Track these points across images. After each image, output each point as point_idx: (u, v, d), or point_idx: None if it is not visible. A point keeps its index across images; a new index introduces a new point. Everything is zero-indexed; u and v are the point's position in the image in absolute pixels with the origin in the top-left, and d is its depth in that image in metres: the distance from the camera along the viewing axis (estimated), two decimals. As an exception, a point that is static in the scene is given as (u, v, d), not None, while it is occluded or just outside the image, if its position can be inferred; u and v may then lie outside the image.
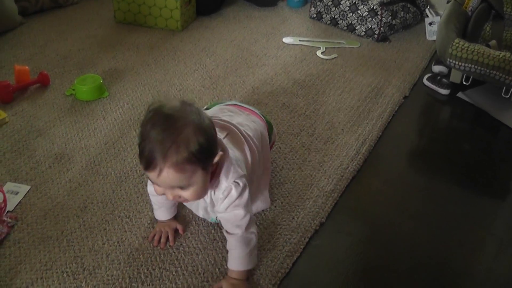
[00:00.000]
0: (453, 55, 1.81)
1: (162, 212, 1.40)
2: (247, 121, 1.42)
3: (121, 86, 2.01)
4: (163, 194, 1.15)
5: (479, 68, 1.77)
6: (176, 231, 1.40)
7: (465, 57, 1.79)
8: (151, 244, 1.36)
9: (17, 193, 1.50)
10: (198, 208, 1.35)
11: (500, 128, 1.86)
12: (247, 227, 1.23)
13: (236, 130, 1.34)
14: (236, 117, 1.42)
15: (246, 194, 1.21)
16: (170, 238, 1.37)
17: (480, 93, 1.98)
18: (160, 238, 1.38)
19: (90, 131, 1.75)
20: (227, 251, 1.27)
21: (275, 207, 1.47)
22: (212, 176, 1.18)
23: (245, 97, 1.93)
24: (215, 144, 1.14)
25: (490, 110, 1.90)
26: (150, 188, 1.32)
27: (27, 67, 1.95)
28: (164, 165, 1.05)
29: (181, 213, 1.44)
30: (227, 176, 1.19)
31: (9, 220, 1.40)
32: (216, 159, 1.14)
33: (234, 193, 1.19)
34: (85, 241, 1.37)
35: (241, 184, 1.20)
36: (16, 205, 1.46)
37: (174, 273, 1.29)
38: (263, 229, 1.40)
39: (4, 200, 1.41)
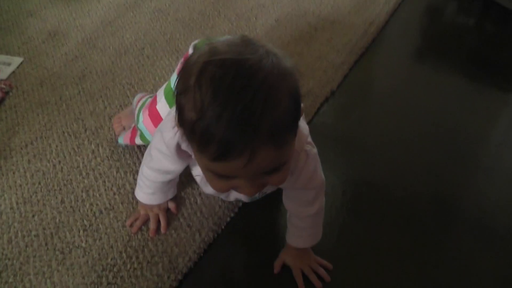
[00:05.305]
0: None
1: (157, 196, 1.02)
2: None
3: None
4: (230, 189, 0.73)
5: None
6: (167, 211, 1.06)
7: None
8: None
9: (9, 64, 1.41)
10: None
11: (509, 21, 1.80)
12: (322, 198, 0.93)
13: None
14: None
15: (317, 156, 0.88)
16: (162, 224, 1.02)
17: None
18: (145, 225, 1.04)
19: (84, 12, 1.65)
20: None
21: (284, 75, 1.41)
22: None
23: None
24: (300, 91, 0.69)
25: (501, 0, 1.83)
26: (149, 171, 0.95)
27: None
28: (260, 143, 0.61)
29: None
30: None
31: (3, 86, 1.32)
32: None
33: (311, 160, 0.84)
34: (85, 105, 1.29)
35: (313, 146, 0.88)
36: (10, 75, 1.38)
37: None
38: (273, 94, 1.33)
39: (-3, 66, 1.33)
